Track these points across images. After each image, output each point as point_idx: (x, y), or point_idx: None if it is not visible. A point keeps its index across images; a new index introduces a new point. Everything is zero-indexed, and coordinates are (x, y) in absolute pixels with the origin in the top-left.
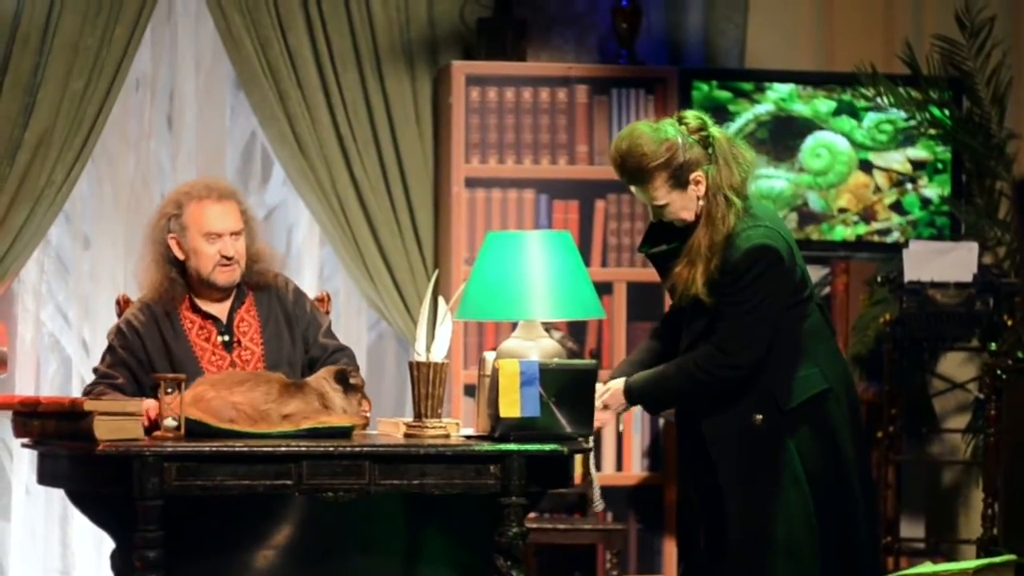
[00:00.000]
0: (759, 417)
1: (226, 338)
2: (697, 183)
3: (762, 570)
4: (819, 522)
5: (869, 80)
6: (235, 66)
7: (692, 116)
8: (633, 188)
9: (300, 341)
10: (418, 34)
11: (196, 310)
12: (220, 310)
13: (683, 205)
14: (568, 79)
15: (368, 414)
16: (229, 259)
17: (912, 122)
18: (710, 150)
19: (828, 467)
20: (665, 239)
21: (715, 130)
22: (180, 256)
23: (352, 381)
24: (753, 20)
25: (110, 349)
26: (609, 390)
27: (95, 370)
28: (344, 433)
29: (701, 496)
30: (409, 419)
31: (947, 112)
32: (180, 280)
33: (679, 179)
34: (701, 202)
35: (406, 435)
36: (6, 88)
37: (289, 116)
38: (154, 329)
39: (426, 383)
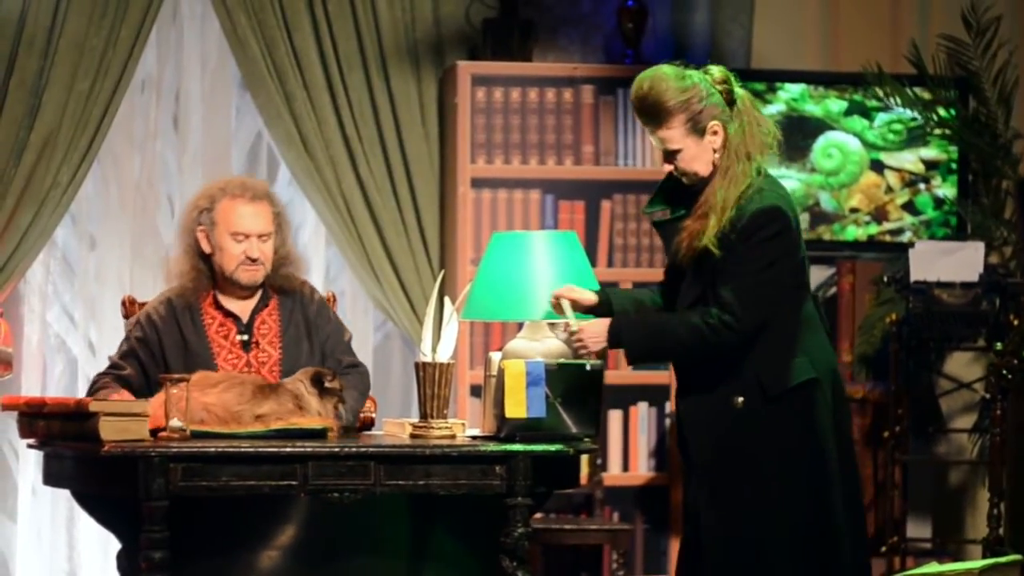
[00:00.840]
0: (740, 400)
1: (245, 338)
2: (715, 133)
3: (734, 562)
4: (793, 518)
5: (875, 80)
6: (241, 67)
7: (718, 69)
8: (649, 130)
9: (318, 351)
10: (424, 35)
11: (219, 307)
12: (242, 309)
13: (697, 155)
14: (574, 79)
15: (373, 415)
16: (254, 260)
17: (918, 122)
18: (734, 107)
19: (805, 461)
20: (672, 204)
21: (740, 89)
22: (207, 250)
23: (328, 384)
24: (759, 20)
25: (126, 339)
26: (586, 329)
27: (109, 358)
28: (317, 435)
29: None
30: (415, 420)
31: (953, 112)
32: (207, 273)
33: (696, 124)
34: (716, 155)
35: (412, 436)
36: (11, 89)
37: (295, 117)
38: (173, 324)
39: (432, 383)
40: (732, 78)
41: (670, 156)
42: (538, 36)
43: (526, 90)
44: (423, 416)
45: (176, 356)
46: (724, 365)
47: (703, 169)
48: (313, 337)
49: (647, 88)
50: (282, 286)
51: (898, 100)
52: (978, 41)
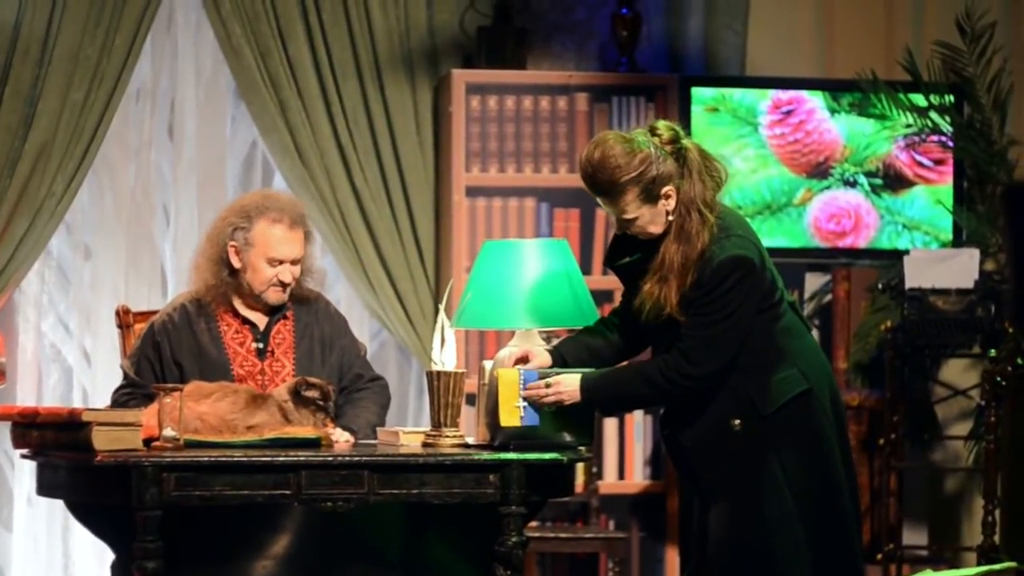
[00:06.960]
0: (737, 422)
1: (260, 346)
2: (668, 197)
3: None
4: (807, 532)
5: (870, 87)
6: (235, 76)
7: (664, 127)
8: (601, 202)
9: (332, 365)
10: (418, 43)
11: (236, 314)
12: (259, 317)
13: (652, 219)
14: (568, 87)
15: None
16: (285, 285)
17: (911, 128)
18: (682, 162)
19: (814, 475)
20: (629, 251)
21: (687, 142)
22: (236, 265)
23: (305, 394)
24: (753, 27)
25: (140, 348)
26: (562, 382)
27: (122, 366)
28: (310, 444)
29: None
30: (407, 428)
31: (948, 118)
32: (231, 282)
33: (650, 193)
34: (671, 217)
35: (424, 444)
36: (6, 99)
37: (289, 125)
38: (188, 331)
39: (445, 392)
40: (679, 132)
41: (624, 224)
42: (532, 44)
43: (521, 98)
44: (435, 424)
45: (190, 362)
46: (713, 390)
47: (658, 229)
48: (327, 351)
49: (598, 161)
50: (298, 296)
51: (893, 107)
52: (973, 47)
